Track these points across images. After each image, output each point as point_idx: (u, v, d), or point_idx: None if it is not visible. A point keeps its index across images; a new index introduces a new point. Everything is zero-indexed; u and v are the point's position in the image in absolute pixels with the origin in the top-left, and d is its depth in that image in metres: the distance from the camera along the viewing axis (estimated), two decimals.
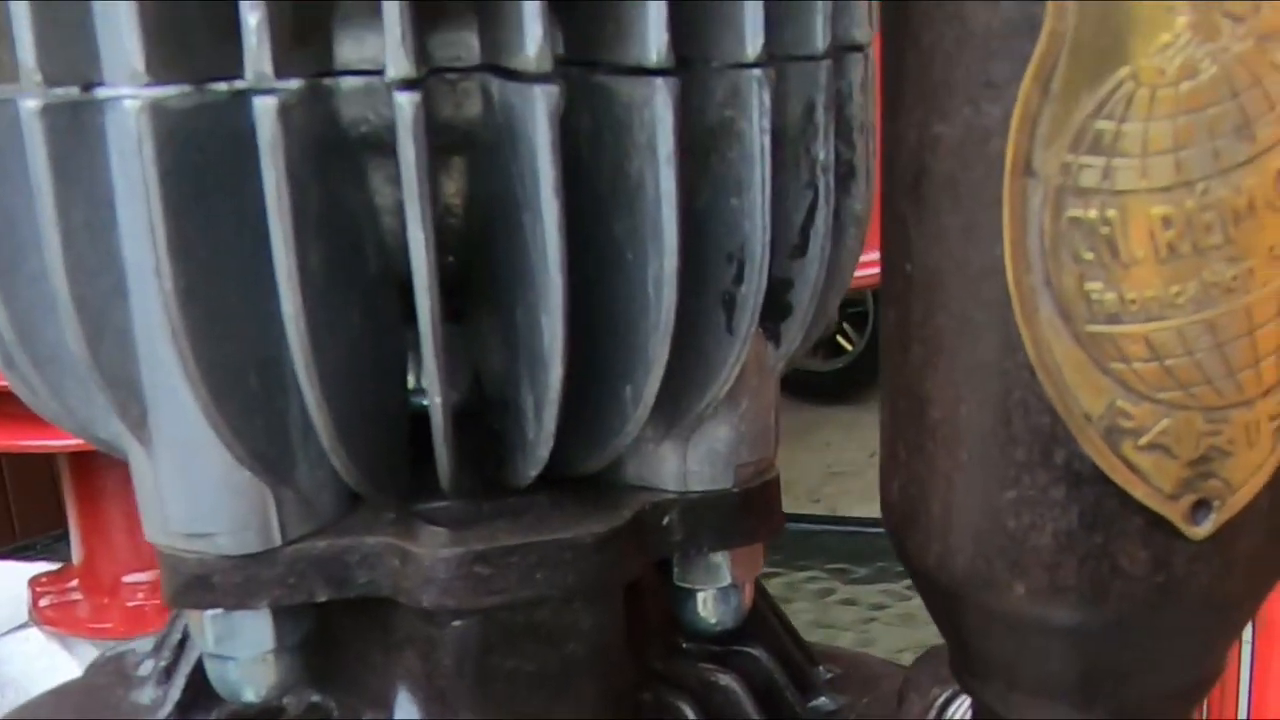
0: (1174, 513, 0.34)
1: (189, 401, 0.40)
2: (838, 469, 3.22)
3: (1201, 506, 0.34)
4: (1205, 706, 1.14)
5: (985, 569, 0.36)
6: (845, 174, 0.46)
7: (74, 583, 1.07)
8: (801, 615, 1.15)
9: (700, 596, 0.48)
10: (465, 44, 0.41)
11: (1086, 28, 0.31)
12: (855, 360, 3.96)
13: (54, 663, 1.06)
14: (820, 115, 0.44)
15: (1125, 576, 0.35)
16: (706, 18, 0.41)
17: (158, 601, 1.03)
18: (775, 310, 0.45)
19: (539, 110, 0.38)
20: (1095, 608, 0.35)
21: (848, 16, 0.45)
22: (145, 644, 0.54)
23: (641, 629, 0.49)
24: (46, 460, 2.40)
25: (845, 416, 3.70)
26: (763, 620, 0.52)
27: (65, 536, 1.44)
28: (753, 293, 0.43)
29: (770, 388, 0.47)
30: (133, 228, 0.39)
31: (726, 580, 0.48)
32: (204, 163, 0.38)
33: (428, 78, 0.39)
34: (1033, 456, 0.34)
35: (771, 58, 0.42)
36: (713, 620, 0.49)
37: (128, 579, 1.05)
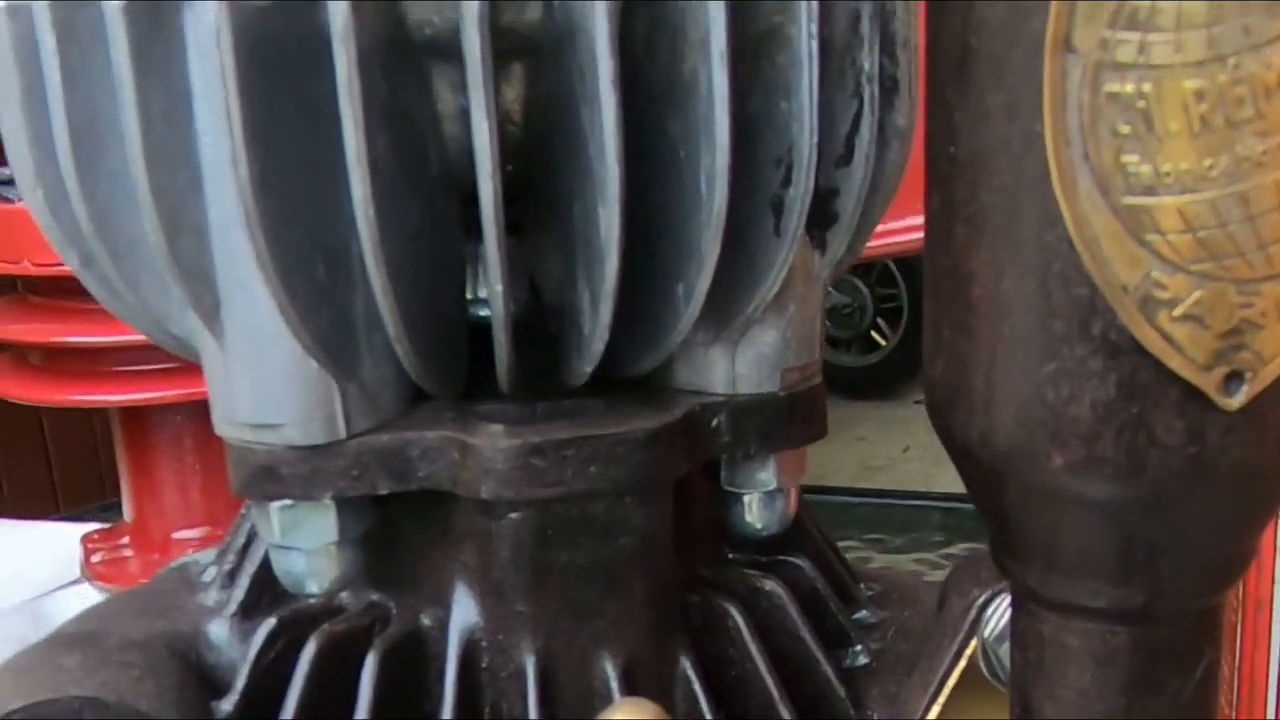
0: (1208, 384, 0.36)
1: (260, 291, 0.42)
2: (872, 463, 3.23)
3: (1234, 378, 0.36)
4: (1234, 703, 1.14)
5: (1025, 442, 0.37)
6: (889, 87, 0.47)
7: (125, 539, 1.09)
8: None
9: (746, 500, 0.50)
10: None
11: None
12: (890, 356, 3.97)
13: None
14: (865, 27, 0.45)
15: (1161, 447, 0.36)
16: None
17: None
18: (821, 218, 0.47)
19: (599, 12, 0.40)
20: (1132, 480, 0.37)
21: None
22: (207, 555, 0.56)
23: (690, 536, 0.51)
24: (89, 434, 2.44)
25: (880, 412, 3.71)
26: (806, 532, 0.54)
27: (110, 507, 1.47)
28: (800, 196, 0.44)
29: (816, 295, 0.48)
30: (209, 121, 0.41)
31: (772, 484, 0.49)
32: (278, 59, 0.40)
33: None
34: (1071, 329, 0.36)
35: None
36: (758, 524, 0.50)
37: (177, 535, 1.07)
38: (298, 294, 0.42)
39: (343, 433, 0.45)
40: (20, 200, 0.98)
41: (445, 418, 0.46)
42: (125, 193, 0.42)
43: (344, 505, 0.46)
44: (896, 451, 3.35)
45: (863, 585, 0.56)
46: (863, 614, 0.55)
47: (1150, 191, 0.34)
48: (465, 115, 0.42)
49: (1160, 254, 0.35)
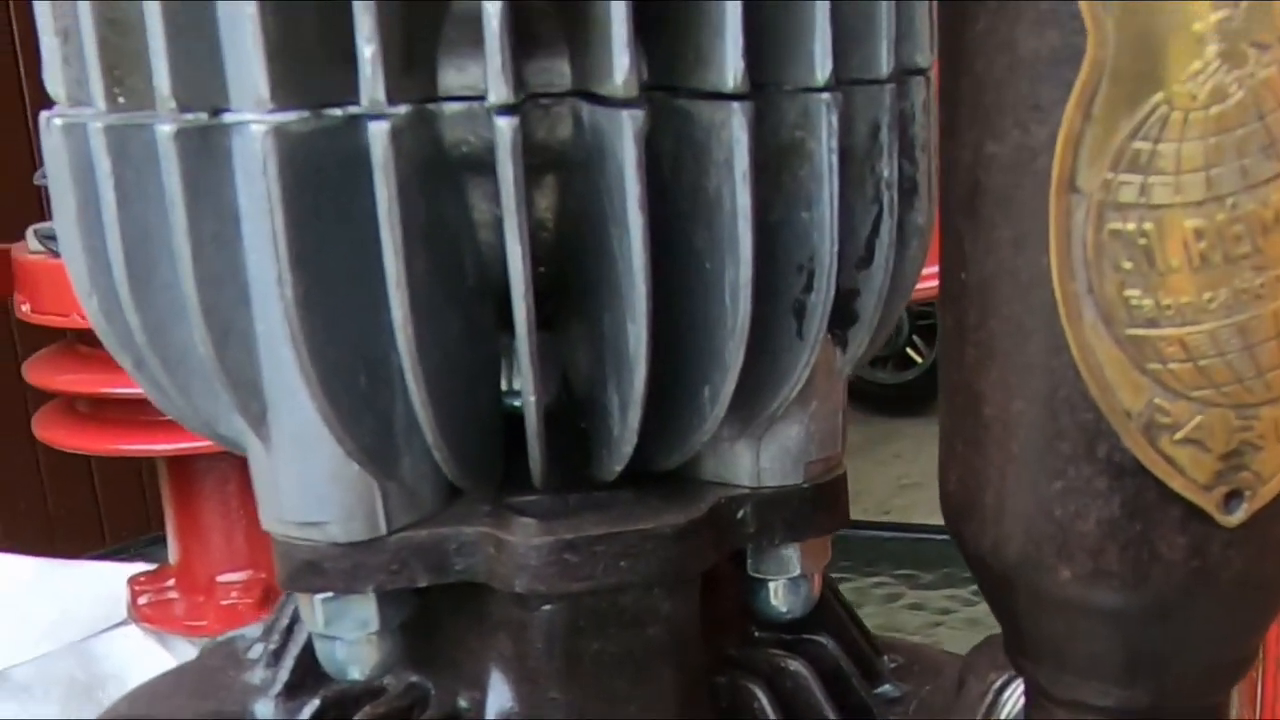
0: (1208, 502, 0.37)
1: (305, 400, 0.44)
2: (907, 481, 3.25)
3: (1234, 496, 0.37)
4: (1259, 705, 1.16)
5: (1034, 554, 0.39)
6: (909, 189, 0.49)
7: (170, 582, 1.11)
8: (870, 619, 1.17)
9: (772, 586, 0.51)
10: (558, 71, 0.45)
11: (1124, 56, 0.35)
12: (925, 373, 3.99)
13: (151, 658, 1.11)
14: (885, 135, 0.47)
15: (1164, 562, 0.38)
16: (779, 45, 0.44)
17: (250, 600, 1.08)
18: (843, 317, 0.49)
19: (626, 132, 0.41)
20: (1136, 591, 0.38)
21: (911, 42, 0.48)
22: (254, 630, 0.58)
23: (717, 618, 0.53)
24: (135, 469, 2.48)
25: (915, 429, 3.72)
26: (830, 611, 0.55)
27: (156, 541, 1.49)
28: (821, 301, 0.46)
29: (838, 390, 0.50)
30: (256, 241, 0.43)
31: (796, 570, 0.51)
32: (321, 181, 0.42)
33: (524, 103, 0.43)
34: (1078, 450, 0.37)
35: (839, 82, 0.45)
36: (783, 608, 0.52)
37: (221, 578, 1.09)
38: (340, 403, 0.44)
39: (383, 529, 0.47)
40: None
41: (481, 512, 0.48)
42: (176, 305, 0.44)
43: (384, 597, 0.48)
44: (931, 468, 3.33)
45: (886, 658, 0.58)
46: (886, 688, 0.56)
47: (1152, 323, 0.36)
48: (499, 223, 0.44)
49: (1163, 382, 0.36)
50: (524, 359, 0.44)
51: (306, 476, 0.46)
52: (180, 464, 1.07)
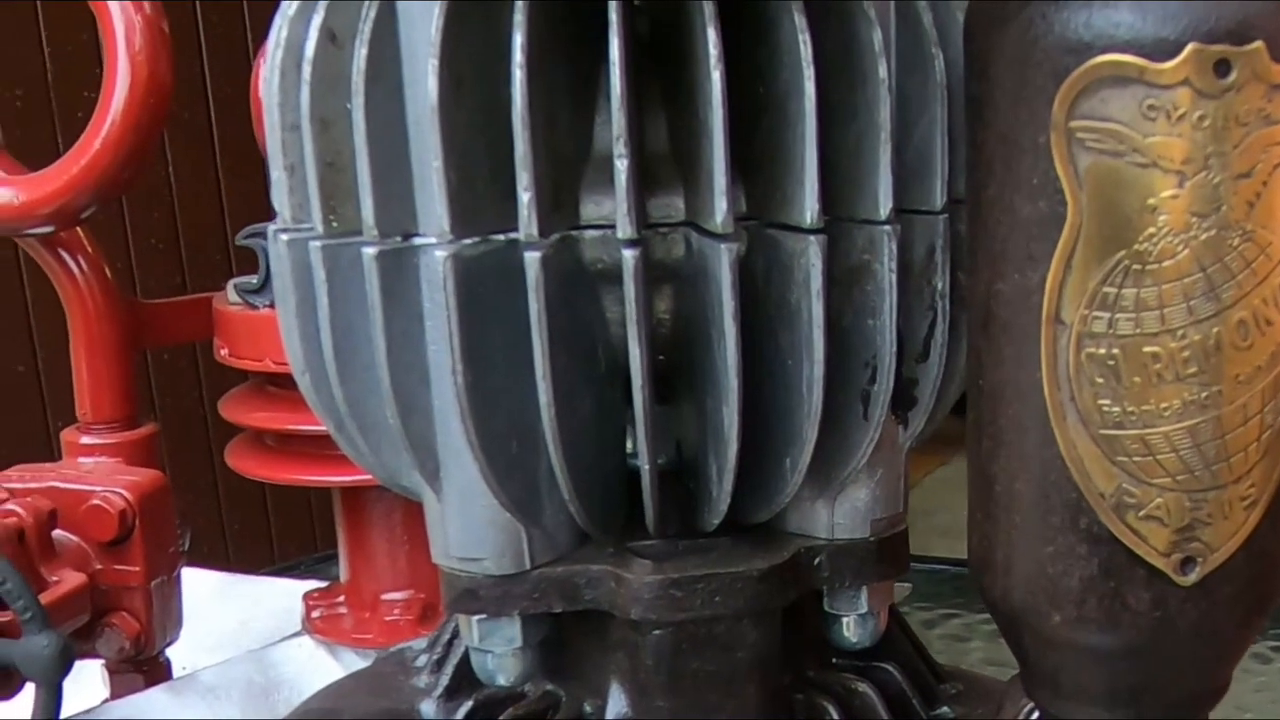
0: (1167, 566, 0.48)
1: (469, 461, 0.56)
2: None
3: (1189, 562, 0.48)
4: None
5: (1032, 602, 0.50)
6: (960, 296, 0.60)
7: (341, 598, 1.24)
8: (975, 653, 1.27)
9: (844, 621, 0.62)
10: (674, 206, 0.57)
11: (1095, 223, 0.45)
12: None
13: (322, 666, 1.23)
14: (939, 255, 0.58)
15: (1132, 611, 0.48)
16: (850, 186, 0.56)
17: (411, 616, 1.21)
18: (903, 401, 0.59)
19: (724, 261, 0.53)
20: (1111, 634, 0.49)
21: (961, 177, 0.59)
22: (420, 643, 0.70)
23: (800, 645, 0.64)
24: (304, 496, 2.65)
25: None
26: (897, 642, 0.66)
27: (325, 559, 1.63)
28: (883, 390, 0.57)
29: (900, 459, 0.61)
30: (435, 337, 0.55)
31: (864, 609, 0.62)
32: (486, 292, 0.54)
33: (646, 233, 0.55)
34: (1064, 522, 0.48)
35: (900, 212, 0.56)
36: (854, 639, 0.63)
37: (386, 596, 1.21)
38: (497, 464, 0.56)
39: (528, 565, 0.58)
40: (264, 308, 1.15)
41: (605, 553, 0.60)
42: (372, 384, 0.56)
43: (527, 619, 0.59)
44: None
45: (947, 685, 0.68)
46: (943, 710, 0.67)
47: (1120, 426, 0.47)
48: (625, 323, 0.56)
49: (1129, 471, 0.47)
50: (641, 435, 0.55)
51: (468, 522, 0.58)
52: (353, 494, 1.19)
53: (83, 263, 1.19)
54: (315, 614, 1.25)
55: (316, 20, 0.55)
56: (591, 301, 0.58)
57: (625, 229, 0.53)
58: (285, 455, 1.19)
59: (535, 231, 0.53)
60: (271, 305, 1.14)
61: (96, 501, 1.14)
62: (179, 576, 1.19)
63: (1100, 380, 0.47)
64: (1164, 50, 0.44)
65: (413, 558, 1.21)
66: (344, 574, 1.25)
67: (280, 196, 0.59)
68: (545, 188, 0.53)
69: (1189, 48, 0.43)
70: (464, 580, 0.59)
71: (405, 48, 0.54)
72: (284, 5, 0.58)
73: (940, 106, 0.57)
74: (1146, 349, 0.46)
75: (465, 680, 0.64)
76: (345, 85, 0.55)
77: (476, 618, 0.59)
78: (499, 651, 0.60)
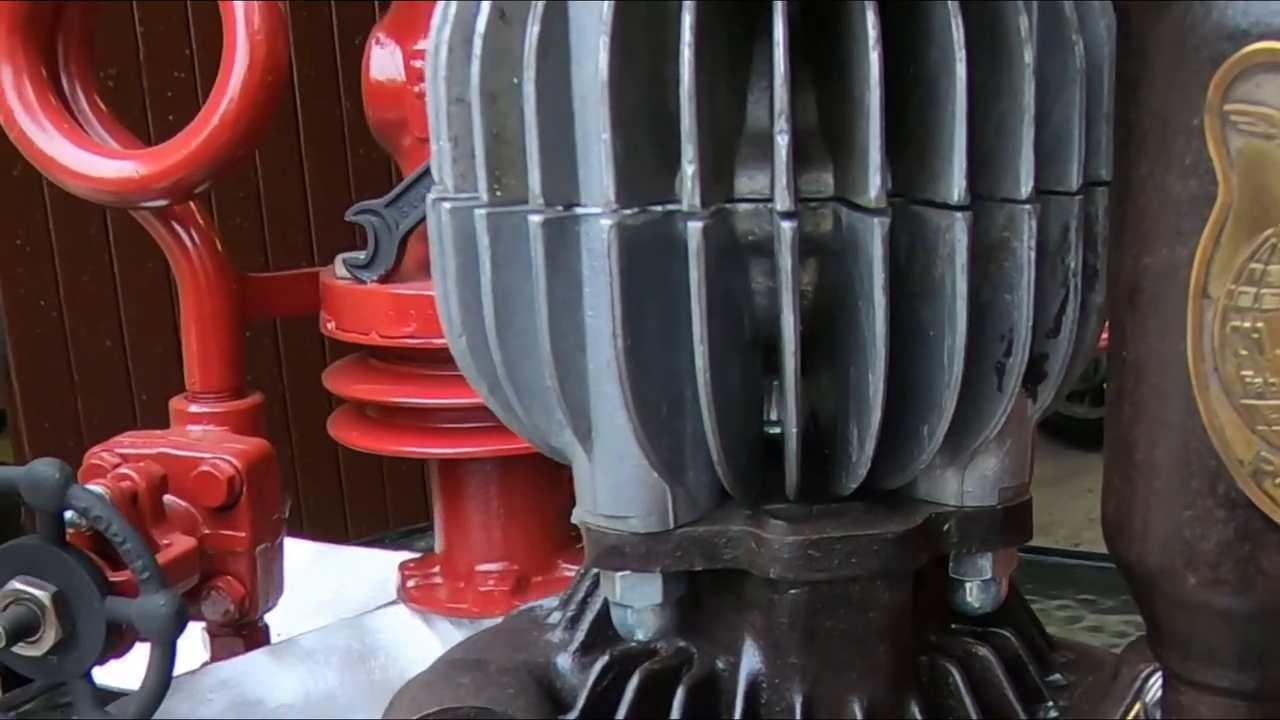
0: None
1: (621, 423, 0.58)
2: (1098, 515, 3.31)
3: None
4: None
5: (1169, 565, 0.52)
6: (1090, 275, 0.62)
7: (436, 569, 1.27)
8: None
9: (968, 585, 0.65)
10: (824, 182, 0.60)
11: (1244, 202, 0.48)
12: None
13: (417, 635, 1.27)
14: (1073, 235, 0.60)
15: (1266, 575, 0.50)
16: (993, 166, 0.58)
17: (505, 588, 1.24)
18: (1034, 375, 0.62)
19: (876, 235, 0.56)
20: (1244, 597, 0.51)
21: (1096, 159, 0.61)
22: (550, 602, 0.73)
23: (924, 609, 0.66)
24: (378, 469, 2.70)
25: None
26: (1014, 611, 0.68)
27: (424, 529, 1.68)
28: (1017, 363, 0.60)
29: (1028, 431, 0.63)
30: (595, 303, 0.57)
31: (988, 575, 0.64)
32: (646, 261, 0.57)
33: (799, 206, 0.58)
34: (1203, 487, 0.50)
35: (1039, 193, 0.59)
36: (976, 604, 0.65)
37: (480, 568, 1.24)
38: (649, 426, 0.58)
39: (671, 524, 0.61)
40: (370, 282, 1.18)
41: (744, 515, 0.62)
42: (529, 347, 0.59)
43: (668, 576, 0.62)
44: None
45: (1058, 654, 0.71)
46: (1056, 677, 0.69)
47: (1261, 396, 0.49)
48: (773, 292, 0.59)
49: (1268, 440, 0.49)
50: (789, 401, 0.58)
51: (617, 481, 0.61)
52: (450, 466, 1.22)
53: (195, 236, 1.22)
54: (410, 583, 1.28)
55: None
56: (741, 272, 0.60)
57: (784, 202, 0.55)
58: (388, 426, 1.22)
59: (698, 203, 0.55)
60: (379, 280, 1.18)
61: (206, 468, 1.17)
62: (281, 543, 1.23)
63: (1244, 352, 0.49)
64: None
65: (507, 530, 1.25)
66: (439, 545, 1.28)
67: (444, 166, 0.62)
68: (707, 161, 0.56)
69: None
70: (611, 537, 0.61)
71: (574, 25, 0.56)
72: None
73: (1079, 91, 0.59)
74: None
75: (600, 636, 0.67)
76: (513, 61, 0.57)
77: (620, 574, 0.62)
78: (639, 607, 0.63)
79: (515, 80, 0.58)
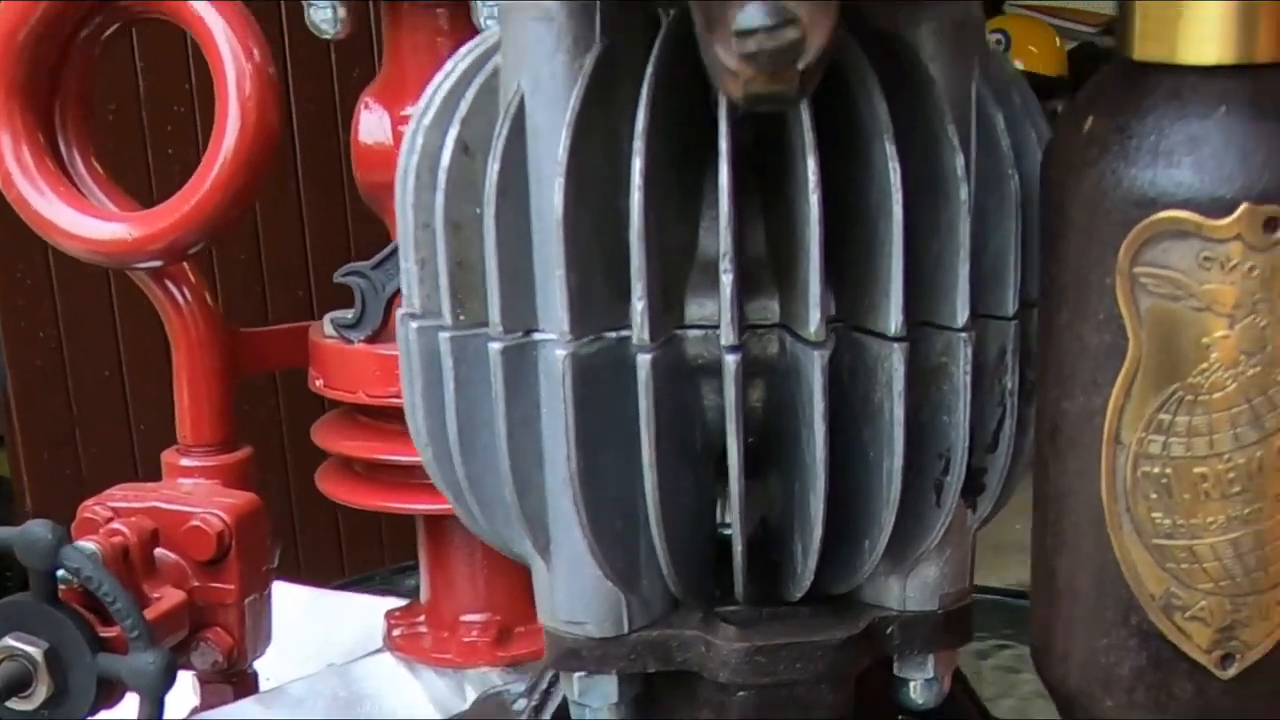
0: (1209, 661, 0.53)
1: (577, 536, 0.62)
2: None
3: (1228, 658, 0.53)
4: None
5: (1088, 688, 0.55)
6: (1028, 391, 0.65)
7: (421, 618, 1.30)
8: (1027, 685, 1.32)
9: (912, 684, 0.68)
10: (771, 309, 0.63)
11: (1153, 358, 0.51)
12: None
13: (401, 683, 1.30)
14: (1009, 356, 0.63)
15: (1177, 701, 0.54)
16: (932, 294, 0.61)
17: (488, 638, 1.27)
18: (973, 488, 0.65)
19: (816, 366, 0.59)
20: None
21: (1031, 283, 0.64)
22: (518, 688, 0.76)
23: (872, 704, 0.69)
24: (374, 515, 2.73)
25: None
26: (960, 703, 0.72)
27: (398, 570, 1.70)
28: (955, 480, 0.63)
29: (968, 539, 0.66)
30: (551, 423, 0.61)
31: (931, 674, 0.67)
32: (599, 384, 0.60)
33: (745, 335, 0.61)
34: (1118, 618, 0.54)
35: (976, 316, 0.62)
36: (920, 701, 0.68)
37: (464, 618, 1.28)
38: (603, 541, 0.61)
39: (626, 629, 0.64)
40: (357, 342, 1.21)
41: (696, 619, 0.65)
42: (491, 463, 0.62)
43: (623, 677, 0.65)
44: None
45: None
46: None
47: (1170, 536, 0.52)
48: (723, 407, 0.62)
49: (1176, 576, 0.52)
50: (736, 520, 0.61)
51: (574, 589, 0.64)
52: (435, 520, 1.25)
53: (187, 292, 1.25)
54: (396, 632, 1.31)
55: (453, 133, 0.61)
56: (692, 390, 0.63)
57: (728, 337, 0.58)
58: (374, 482, 1.25)
59: (647, 337, 0.58)
60: (366, 340, 1.21)
61: (196, 523, 1.20)
62: (270, 594, 1.26)
63: (1154, 496, 0.52)
64: (1219, 208, 0.49)
65: (491, 582, 1.28)
66: (424, 595, 1.32)
67: (412, 287, 0.65)
68: (657, 296, 0.59)
69: (1242, 207, 0.49)
70: (569, 641, 0.65)
71: (533, 162, 0.60)
72: (418, 113, 0.64)
73: (1015, 221, 0.62)
74: (1196, 469, 0.51)
75: None
76: (476, 191, 0.61)
77: (578, 674, 0.65)
78: (596, 706, 0.66)
79: (478, 210, 0.61)
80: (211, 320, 1.26)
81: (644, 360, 0.59)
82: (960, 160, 0.59)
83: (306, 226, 2.78)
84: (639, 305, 0.58)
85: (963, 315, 0.61)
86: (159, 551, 1.21)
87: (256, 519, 1.24)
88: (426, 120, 0.63)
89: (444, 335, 0.62)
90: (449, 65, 0.65)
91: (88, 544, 1.14)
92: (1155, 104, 0.50)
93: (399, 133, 1.23)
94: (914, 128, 0.60)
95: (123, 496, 1.23)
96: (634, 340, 0.59)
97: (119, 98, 2.40)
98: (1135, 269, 0.50)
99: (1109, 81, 0.52)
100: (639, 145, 0.57)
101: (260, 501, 1.25)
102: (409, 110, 1.21)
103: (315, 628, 1.45)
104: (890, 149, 0.58)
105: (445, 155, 0.61)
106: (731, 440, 0.59)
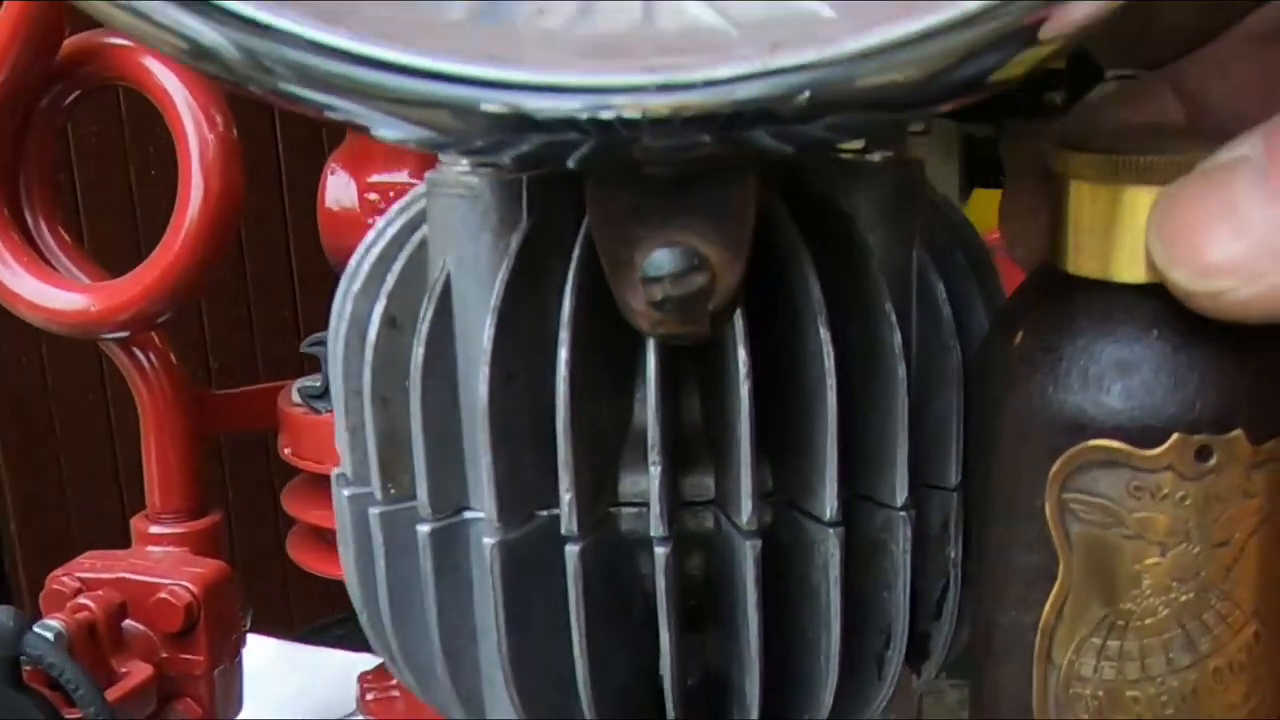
0: None
1: (510, 711, 0.60)
2: None
3: None
4: None
5: None
6: (972, 557, 0.64)
7: (394, 681, 1.30)
8: None
9: None
10: (706, 485, 0.61)
11: (1083, 583, 0.50)
12: None
13: None
14: (953, 527, 0.62)
15: None
16: (870, 470, 0.60)
17: None
18: (916, 655, 0.64)
19: (748, 558, 0.57)
20: None
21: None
22: None
23: None
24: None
25: None
26: None
27: (341, 621, 1.70)
28: (896, 654, 0.61)
29: (912, 702, 0.65)
30: (482, 602, 0.59)
31: None
32: (529, 565, 0.59)
33: (680, 512, 0.59)
34: None
35: (918, 488, 0.60)
36: None
37: None
38: (536, 711, 0.60)
39: None
40: (325, 412, 1.20)
41: None
42: (424, 636, 0.61)
43: None
44: None
45: None
46: None
47: None
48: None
49: None
50: (667, 684, 0.60)
51: None
52: None
53: (152, 357, 1.24)
54: (369, 696, 1.30)
55: (379, 308, 0.60)
56: (630, 564, 0.62)
57: (657, 529, 0.57)
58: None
59: (575, 529, 0.57)
60: (332, 410, 1.19)
61: (163, 595, 1.20)
62: (240, 661, 1.25)
63: (1085, 717, 0.51)
64: (1150, 438, 0.48)
65: None
66: None
67: (344, 453, 0.64)
68: (585, 484, 0.57)
69: (1173, 437, 0.48)
70: None
71: (461, 343, 0.58)
72: (347, 277, 0.62)
73: (956, 392, 0.61)
74: (1128, 693, 0.50)
75: None
76: (405, 364, 0.59)
77: None
78: None
79: (406, 384, 0.59)
80: (177, 384, 1.26)
81: (572, 552, 0.57)
82: (897, 337, 0.58)
83: (297, 292, 2.77)
84: (566, 497, 0.57)
85: (901, 495, 0.59)
86: (127, 623, 1.20)
87: (225, 588, 1.23)
88: (355, 287, 0.62)
89: (374, 511, 0.61)
90: (380, 225, 0.63)
91: (53, 623, 1.13)
92: (1085, 325, 0.48)
93: (365, 199, 1.21)
94: (852, 299, 0.59)
95: (90, 566, 1.23)
96: (562, 530, 0.58)
97: (101, 120, 2.38)
98: (1064, 495, 0.49)
99: (1040, 292, 0.51)
100: (564, 335, 0.56)
101: (229, 570, 1.24)
102: (375, 178, 1.20)
103: (289, 681, 1.45)
104: (824, 334, 0.57)
105: (371, 330, 0.60)
106: (664, 633, 0.58)
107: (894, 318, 0.58)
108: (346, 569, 0.65)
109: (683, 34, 0.41)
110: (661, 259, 0.44)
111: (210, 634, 1.20)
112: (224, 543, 1.26)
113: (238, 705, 1.25)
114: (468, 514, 0.59)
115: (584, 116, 0.41)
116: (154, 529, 1.25)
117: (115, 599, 1.17)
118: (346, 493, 0.63)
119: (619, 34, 0.41)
